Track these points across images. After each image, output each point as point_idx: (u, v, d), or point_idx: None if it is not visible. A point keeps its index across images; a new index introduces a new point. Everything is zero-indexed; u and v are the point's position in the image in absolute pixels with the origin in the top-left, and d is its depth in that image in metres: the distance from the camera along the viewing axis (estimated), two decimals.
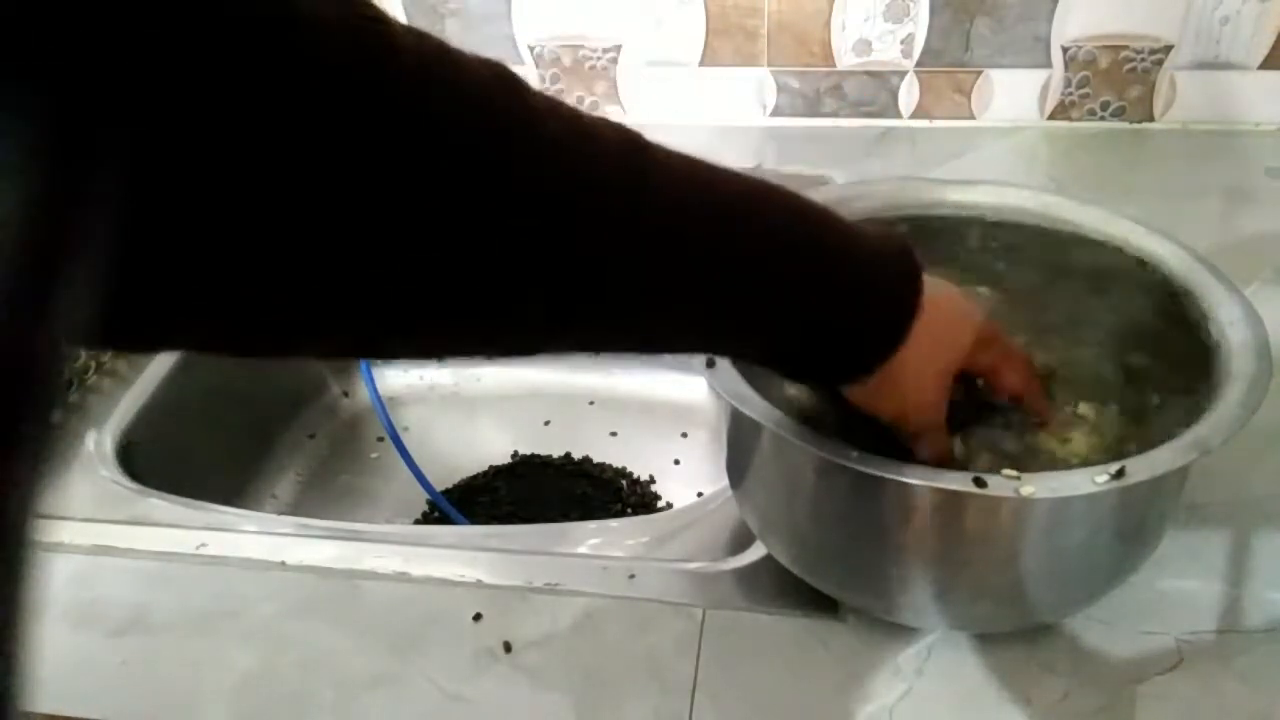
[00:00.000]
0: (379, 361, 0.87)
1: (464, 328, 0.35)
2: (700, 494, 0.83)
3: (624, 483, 0.90)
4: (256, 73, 0.27)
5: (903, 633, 0.51)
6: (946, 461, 0.46)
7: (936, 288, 0.42)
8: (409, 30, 0.31)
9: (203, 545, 0.61)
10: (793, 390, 0.50)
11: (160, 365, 0.79)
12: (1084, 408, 0.52)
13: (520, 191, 0.32)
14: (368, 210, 0.30)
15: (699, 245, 0.36)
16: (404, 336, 0.35)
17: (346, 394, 0.99)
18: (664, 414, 0.95)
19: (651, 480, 0.90)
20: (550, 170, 0.32)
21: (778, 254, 0.38)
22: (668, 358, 0.93)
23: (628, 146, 0.35)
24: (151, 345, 0.34)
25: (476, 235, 0.32)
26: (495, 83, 0.32)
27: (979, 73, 0.93)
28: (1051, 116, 0.95)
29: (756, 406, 0.44)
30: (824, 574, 0.50)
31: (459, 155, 0.31)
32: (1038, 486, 0.40)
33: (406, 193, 0.30)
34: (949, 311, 0.43)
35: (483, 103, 0.32)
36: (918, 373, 0.42)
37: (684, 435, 0.93)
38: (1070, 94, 0.93)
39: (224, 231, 0.28)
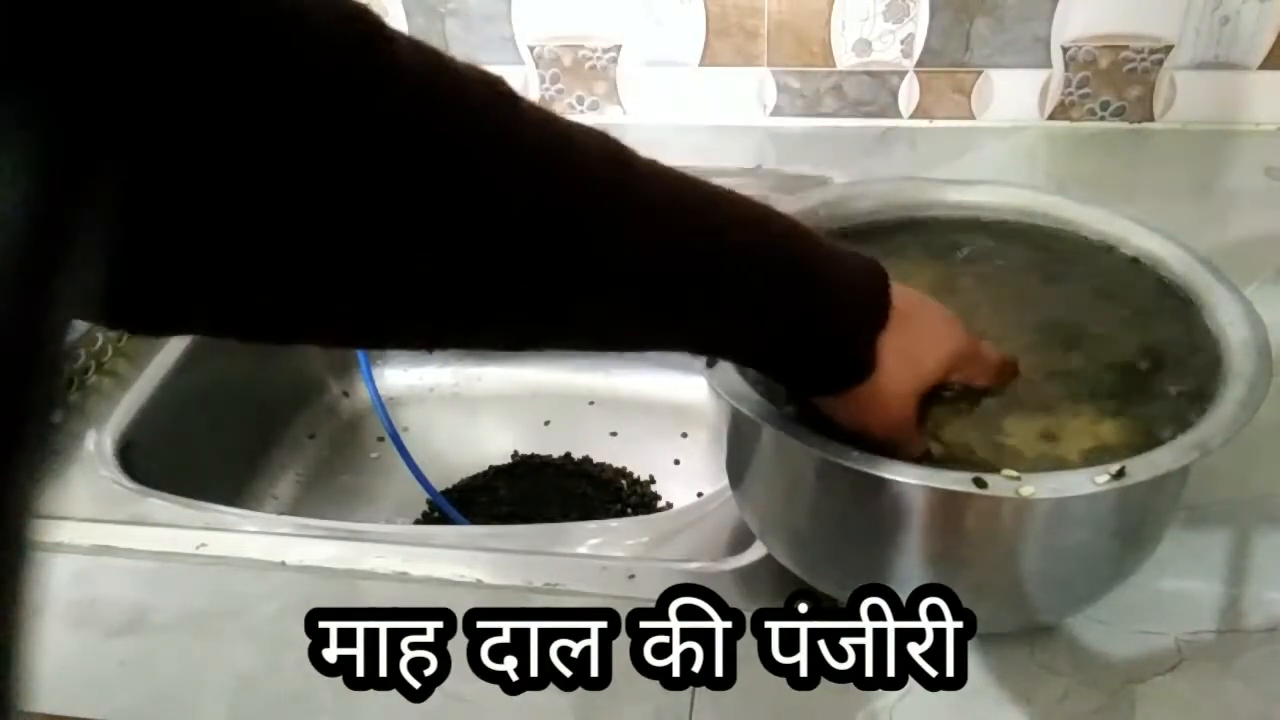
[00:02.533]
0: (373, 350, 0.86)
1: (451, 326, 0.36)
2: (700, 494, 0.83)
3: (624, 483, 0.90)
4: (258, 74, 0.27)
5: None
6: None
7: (912, 304, 0.43)
8: (409, 40, 0.32)
9: (203, 545, 0.61)
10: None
11: (160, 365, 0.79)
12: (1083, 407, 0.52)
13: (505, 201, 0.33)
14: (358, 210, 0.31)
15: (678, 258, 0.37)
16: (392, 334, 0.36)
17: (346, 394, 0.99)
18: (664, 414, 0.95)
19: (651, 480, 0.90)
20: (536, 183, 0.33)
21: (752, 269, 0.39)
22: (668, 358, 0.94)
23: (611, 159, 0.36)
24: (160, 329, 0.36)
25: (463, 240, 0.33)
26: (489, 94, 0.33)
27: (979, 73, 0.93)
28: (1051, 116, 0.95)
29: (756, 406, 0.44)
30: (824, 574, 0.50)
31: (450, 165, 0.31)
32: (1038, 486, 0.40)
33: (396, 195, 0.31)
34: (923, 330, 0.43)
35: (476, 114, 0.33)
36: (887, 393, 0.42)
37: (684, 435, 0.93)
38: (1070, 94, 0.93)
39: (225, 225, 0.29)
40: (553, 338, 0.38)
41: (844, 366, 0.42)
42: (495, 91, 0.33)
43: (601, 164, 0.36)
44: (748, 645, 0.51)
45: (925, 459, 0.45)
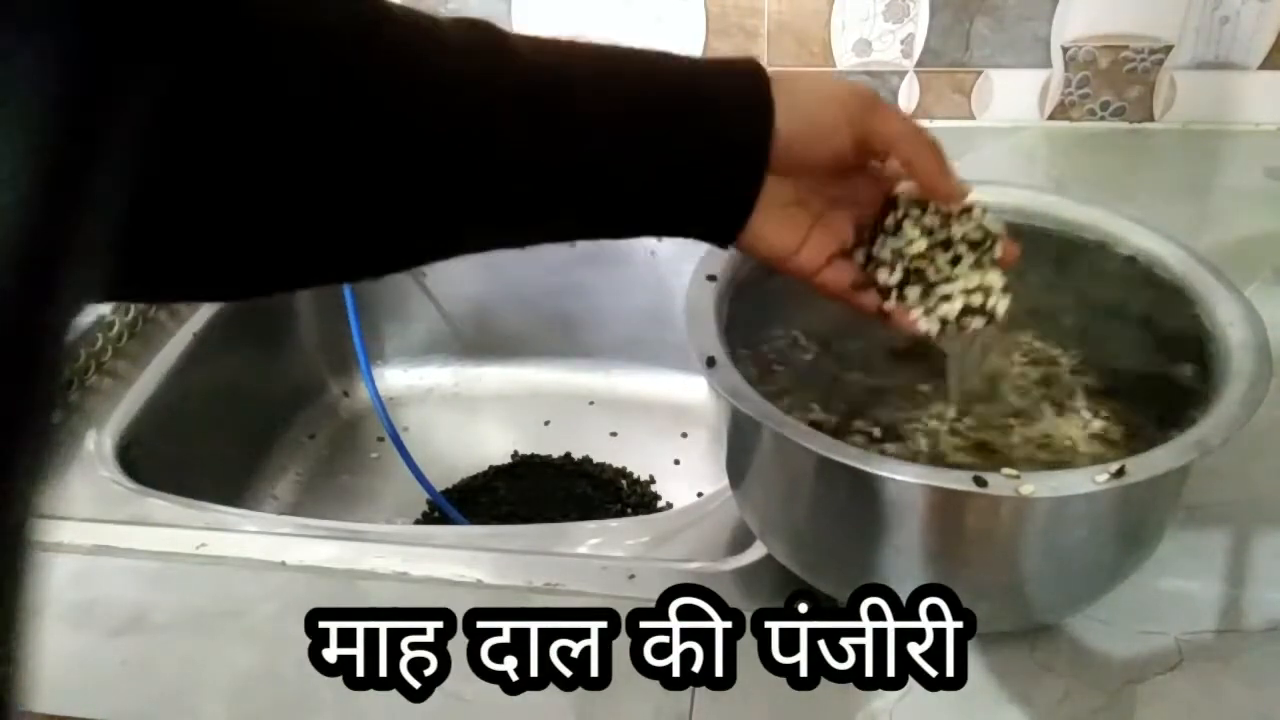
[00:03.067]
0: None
1: (384, 232, 0.38)
2: (700, 494, 0.83)
3: (624, 483, 0.90)
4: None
5: None
6: (864, 303, 0.45)
7: (798, 84, 0.41)
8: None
9: (203, 545, 0.61)
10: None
11: (160, 365, 0.79)
12: (1083, 407, 0.52)
13: (377, 96, 0.35)
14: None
15: (558, 115, 0.38)
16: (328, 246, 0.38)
17: (346, 394, 0.99)
18: (664, 414, 0.95)
19: (651, 480, 0.90)
20: (403, 70, 0.36)
21: (630, 112, 0.39)
22: (667, 357, 0.94)
23: (480, 34, 0.38)
24: (158, 295, 0.39)
25: (355, 149, 0.35)
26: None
27: (979, 73, 0.93)
28: (1051, 116, 0.95)
29: (756, 406, 0.44)
30: (824, 574, 0.50)
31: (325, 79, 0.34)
32: (1038, 485, 0.40)
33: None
34: (810, 101, 0.41)
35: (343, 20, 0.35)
36: (787, 207, 0.42)
37: (684, 435, 0.93)
38: (1070, 94, 0.93)
39: (215, 173, 0.32)
40: (467, 236, 0.40)
41: (738, 179, 0.41)
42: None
43: (468, 37, 0.37)
44: (748, 645, 0.51)
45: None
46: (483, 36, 0.38)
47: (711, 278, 0.52)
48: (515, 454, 0.94)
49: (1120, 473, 0.40)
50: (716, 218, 0.42)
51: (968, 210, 0.45)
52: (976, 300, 0.44)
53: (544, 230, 0.42)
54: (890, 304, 0.45)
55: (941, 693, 0.48)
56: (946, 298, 0.44)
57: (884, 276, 0.45)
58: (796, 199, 0.43)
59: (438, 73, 0.36)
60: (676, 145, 0.39)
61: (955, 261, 0.45)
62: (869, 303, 0.45)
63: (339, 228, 0.37)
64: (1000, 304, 0.44)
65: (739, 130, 0.40)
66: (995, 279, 0.45)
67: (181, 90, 0.30)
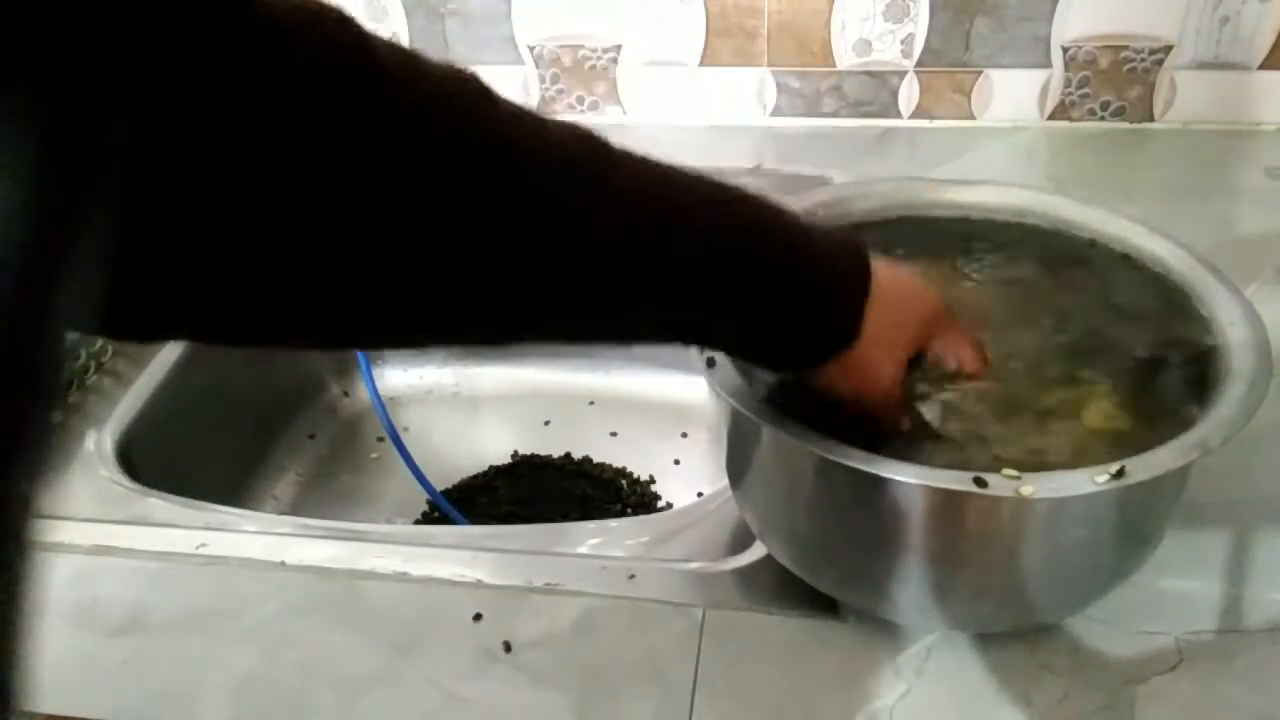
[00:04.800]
0: (365, 350, 0.86)
1: (431, 320, 0.36)
2: (700, 494, 0.83)
3: (624, 483, 0.90)
4: (246, 77, 0.28)
5: (903, 633, 0.51)
6: (901, 428, 0.48)
7: (889, 273, 0.44)
8: (386, 41, 0.33)
9: (203, 545, 0.61)
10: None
11: (160, 365, 0.79)
12: (1082, 407, 0.52)
13: (481, 188, 0.34)
14: (338, 208, 0.31)
15: (655, 242, 0.38)
16: (379, 329, 0.37)
17: (346, 394, 0.99)
18: (664, 414, 0.95)
19: (651, 480, 0.90)
20: (510, 169, 0.34)
21: (734, 249, 0.40)
22: (667, 357, 0.94)
23: (585, 147, 0.37)
24: (149, 335, 0.37)
25: (440, 228, 0.33)
26: (464, 89, 0.34)
27: (979, 73, 0.93)
28: (1051, 116, 0.95)
29: (756, 407, 0.44)
30: (824, 574, 0.50)
31: (428, 158, 0.32)
32: (1037, 486, 0.40)
33: (375, 185, 0.32)
34: (902, 295, 0.45)
35: (452, 109, 0.33)
36: (873, 357, 0.44)
37: (684, 435, 0.93)
38: (1070, 94, 0.93)
39: (215, 221, 0.30)
40: (537, 327, 0.39)
41: (834, 333, 0.43)
42: (468, 84, 0.34)
43: (576, 151, 0.36)
44: (748, 645, 0.52)
45: (914, 435, 0.46)
46: (587, 144, 0.37)
47: None
48: (515, 454, 0.94)
49: (1120, 473, 0.40)
50: (787, 362, 0.45)
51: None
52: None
53: (605, 335, 0.41)
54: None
55: (941, 693, 0.48)
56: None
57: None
58: None
59: (557, 167, 0.35)
60: (762, 310, 0.41)
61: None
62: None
63: (384, 292, 0.35)
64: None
65: (839, 285, 0.43)
66: None
67: (215, 134, 0.29)
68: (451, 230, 0.33)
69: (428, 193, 0.32)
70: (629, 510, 0.87)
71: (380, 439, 0.94)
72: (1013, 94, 0.94)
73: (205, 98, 0.28)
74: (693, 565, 0.58)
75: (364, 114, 0.31)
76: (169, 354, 0.80)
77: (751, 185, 0.41)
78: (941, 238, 0.57)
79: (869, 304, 0.43)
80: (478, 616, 0.54)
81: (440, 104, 0.33)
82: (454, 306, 0.36)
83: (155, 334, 0.36)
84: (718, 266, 0.39)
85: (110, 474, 0.69)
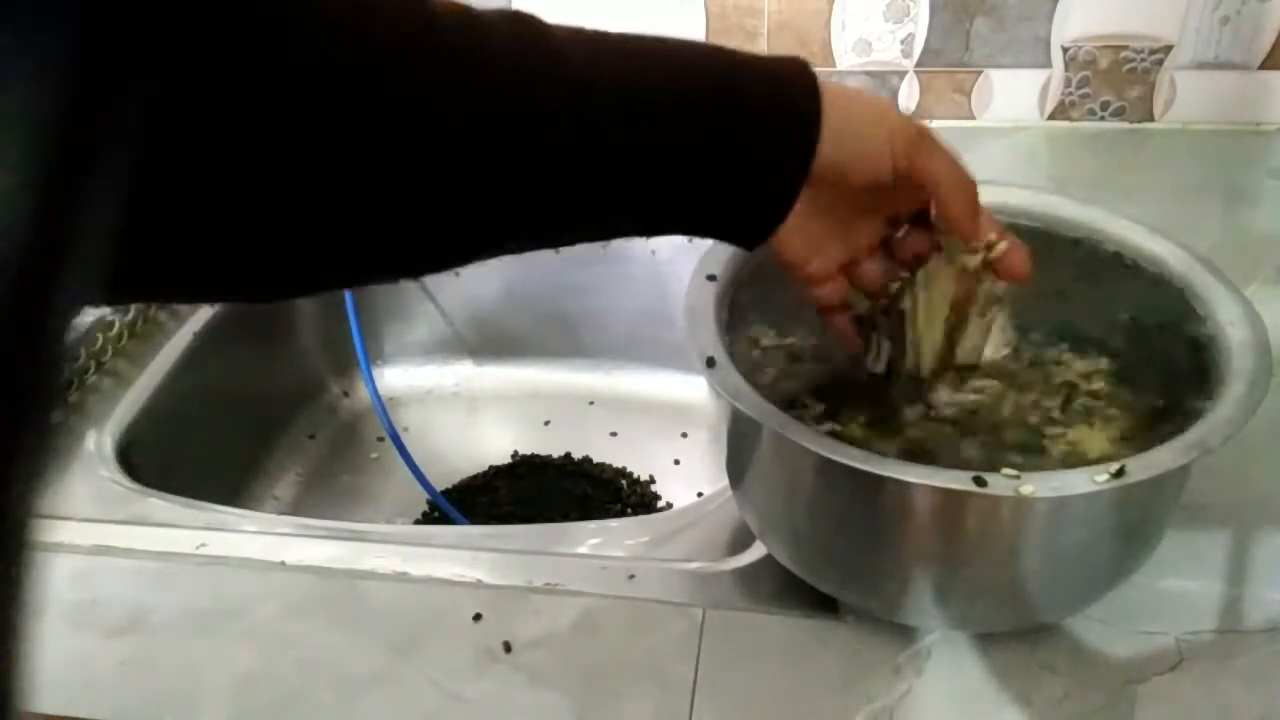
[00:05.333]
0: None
1: (401, 238, 0.37)
2: (700, 494, 0.83)
3: (624, 483, 0.90)
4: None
5: (903, 633, 0.51)
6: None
7: (846, 101, 0.40)
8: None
9: (203, 545, 0.61)
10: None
11: (160, 365, 0.79)
12: (1082, 406, 0.52)
13: (426, 104, 0.34)
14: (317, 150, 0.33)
15: (601, 104, 0.37)
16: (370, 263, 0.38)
17: (346, 394, 0.99)
18: (664, 414, 0.95)
19: (651, 480, 0.90)
20: (445, 69, 0.35)
21: (675, 99, 0.38)
22: (667, 357, 0.94)
23: (521, 26, 0.37)
24: (144, 295, 0.38)
25: (392, 152, 0.34)
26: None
27: (979, 73, 0.93)
28: (1051, 116, 0.95)
29: (756, 406, 0.44)
30: (824, 574, 0.50)
31: (363, 82, 0.33)
32: (1038, 486, 0.40)
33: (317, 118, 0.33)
34: (860, 124, 0.41)
35: (390, 25, 0.34)
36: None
37: (684, 435, 0.93)
38: (1070, 94, 0.93)
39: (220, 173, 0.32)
40: (505, 231, 0.39)
41: (791, 162, 0.40)
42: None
43: (510, 32, 0.36)
44: (747, 645, 0.52)
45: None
46: (525, 29, 0.37)
47: (711, 278, 0.52)
48: (515, 454, 0.94)
49: (1120, 473, 0.40)
50: (747, 222, 0.41)
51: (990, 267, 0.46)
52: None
53: (578, 226, 0.41)
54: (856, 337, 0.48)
55: (941, 693, 0.48)
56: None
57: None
58: (825, 207, 0.42)
59: (482, 66, 0.35)
60: (719, 144, 0.38)
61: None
62: (839, 326, 0.47)
63: (363, 224, 0.36)
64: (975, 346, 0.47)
65: (783, 140, 0.39)
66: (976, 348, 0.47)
67: (196, 82, 0.30)
68: (400, 150, 0.34)
69: (371, 116, 0.34)
70: (629, 510, 0.87)
71: (380, 439, 0.94)
72: (1013, 94, 0.94)
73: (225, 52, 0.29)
74: (693, 565, 0.58)
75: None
76: (169, 354, 0.80)
77: None
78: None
79: (817, 150, 0.39)
80: (478, 616, 0.54)
81: (375, 24, 0.34)
82: (414, 224, 0.37)
83: (150, 294, 0.37)
84: (659, 127, 0.38)
85: (110, 474, 0.69)
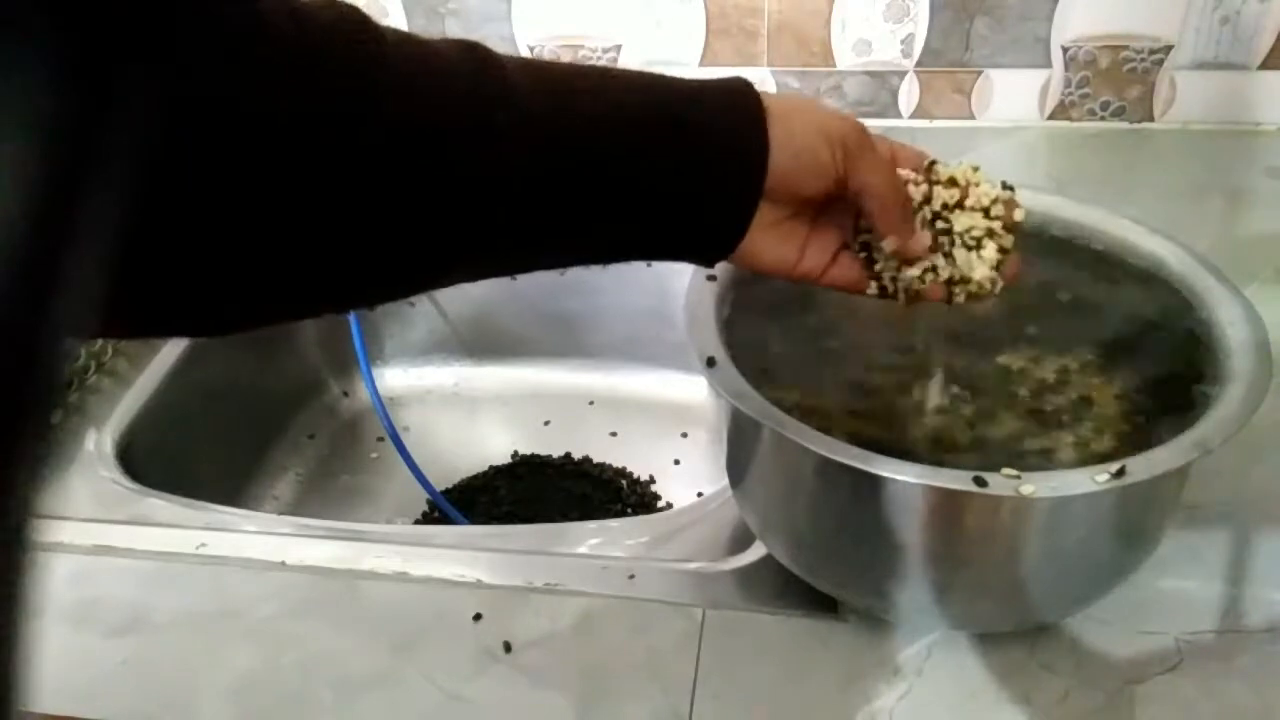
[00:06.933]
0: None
1: (378, 266, 0.37)
2: (700, 494, 0.83)
3: (624, 483, 0.90)
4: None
5: (903, 633, 0.51)
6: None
7: (787, 115, 0.41)
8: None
9: (203, 545, 0.61)
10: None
11: (160, 365, 0.79)
12: (1081, 406, 0.52)
13: (383, 128, 0.34)
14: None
15: (554, 133, 0.37)
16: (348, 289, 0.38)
17: (346, 394, 0.99)
18: (664, 414, 0.95)
19: (651, 480, 0.90)
20: (406, 102, 0.35)
21: (624, 128, 0.39)
22: (667, 357, 0.94)
23: (475, 63, 0.37)
24: (146, 330, 0.38)
25: (350, 181, 0.34)
26: (344, 25, 0.35)
27: (979, 73, 0.93)
28: (1051, 116, 0.95)
29: (756, 406, 0.44)
30: (824, 574, 0.50)
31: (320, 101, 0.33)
32: (1038, 485, 0.40)
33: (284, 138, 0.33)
34: (803, 136, 0.41)
35: (337, 50, 0.34)
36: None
37: (684, 435, 0.93)
38: (1070, 94, 0.93)
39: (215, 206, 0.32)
40: (456, 260, 0.39)
41: (742, 183, 0.41)
42: (357, 25, 0.35)
43: (467, 69, 0.37)
44: (748, 645, 0.52)
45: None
46: (475, 58, 0.37)
47: (711, 278, 0.52)
48: (515, 454, 0.94)
49: (1120, 473, 0.40)
50: (707, 243, 0.42)
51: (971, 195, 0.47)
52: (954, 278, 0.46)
53: (534, 255, 0.41)
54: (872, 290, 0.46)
55: (941, 693, 0.48)
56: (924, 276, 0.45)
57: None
58: (790, 213, 0.43)
59: (437, 93, 0.36)
60: (669, 172, 0.39)
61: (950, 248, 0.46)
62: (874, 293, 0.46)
63: (334, 254, 0.36)
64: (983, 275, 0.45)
65: (733, 161, 0.40)
66: (983, 268, 0.45)
67: (175, 110, 0.30)
68: (354, 177, 0.34)
69: (326, 143, 0.34)
70: (629, 510, 0.87)
71: (380, 439, 0.94)
72: (1013, 94, 0.94)
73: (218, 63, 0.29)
74: (693, 565, 0.58)
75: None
76: (169, 354, 0.80)
77: None
78: None
79: (767, 167, 0.40)
80: (478, 616, 0.54)
81: (330, 55, 0.34)
82: (380, 252, 0.37)
83: (152, 330, 0.37)
84: (609, 154, 0.38)
85: (110, 474, 0.69)
